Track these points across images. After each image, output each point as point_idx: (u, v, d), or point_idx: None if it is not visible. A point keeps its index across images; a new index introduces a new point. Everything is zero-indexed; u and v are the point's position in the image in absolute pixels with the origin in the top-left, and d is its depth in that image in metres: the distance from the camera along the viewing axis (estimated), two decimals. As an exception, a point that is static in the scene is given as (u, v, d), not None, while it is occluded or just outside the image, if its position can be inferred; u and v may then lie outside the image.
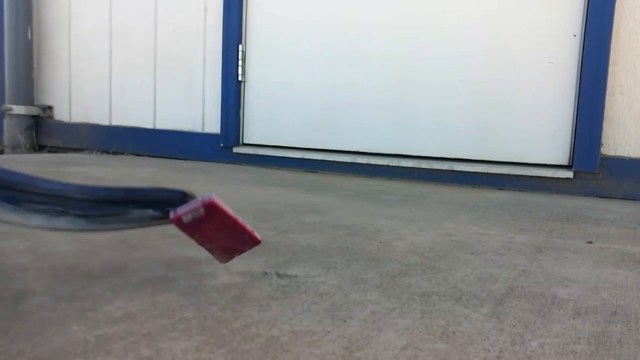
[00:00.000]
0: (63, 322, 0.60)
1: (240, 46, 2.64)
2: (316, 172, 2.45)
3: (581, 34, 2.03)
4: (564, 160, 2.09)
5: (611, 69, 1.97)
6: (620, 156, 1.98)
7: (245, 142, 2.71)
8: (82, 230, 0.69)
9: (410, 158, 2.32)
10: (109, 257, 0.88)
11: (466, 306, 0.72)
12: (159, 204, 0.68)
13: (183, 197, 0.68)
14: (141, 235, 1.04)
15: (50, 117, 3.30)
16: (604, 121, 1.99)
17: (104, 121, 3.11)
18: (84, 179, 1.83)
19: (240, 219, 0.68)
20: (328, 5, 2.46)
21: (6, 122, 3.24)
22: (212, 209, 0.65)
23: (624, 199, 1.97)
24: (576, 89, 2.05)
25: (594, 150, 2.00)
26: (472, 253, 1.02)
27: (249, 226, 0.70)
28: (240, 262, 0.88)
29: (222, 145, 2.71)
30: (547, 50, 2.08)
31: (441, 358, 0.56)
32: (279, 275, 0.82)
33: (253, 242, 0.71)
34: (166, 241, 1.00)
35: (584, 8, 2.01)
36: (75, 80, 3.20)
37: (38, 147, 3.34)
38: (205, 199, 0.65)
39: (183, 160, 2.77)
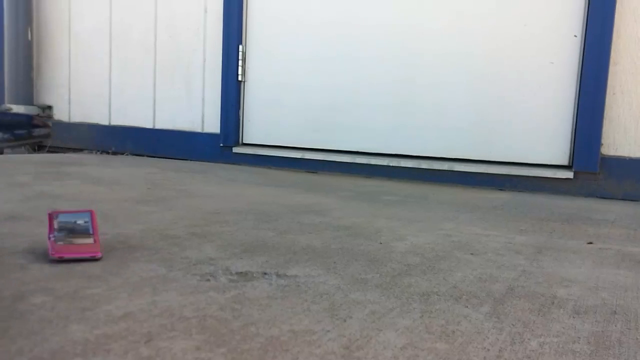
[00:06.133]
0: (63, 322, 0.60)
1: (240, 46, 2.64)
2: (316, 172, 2.45)
3: (582, 34, 2.03)
4: (564, 160, 2.09)
5: (612, 69, 1.97)
6: (621, 156, 1.98)
7: (245, 142, 2.71)
8: None
9: (410, 158, 2.32)
10: (109, 256, 0.88)
11: (466, 306, 0.72)
12: (8, 127, 0.77)
13: (29, 121, 0.76)
14: (141, 235, 1.04)
15: (50, 116, 3.30)
16: (604, 121, 1.99)
17: (103, 121, 3.11)
18: (83, 180, 1.83)
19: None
20: (328, 5, 2.46)
21: (6, 122, 3.24)
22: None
23: (624, 199, 1.97)
24: (576, 89, 2.05)
25: (594, 150, 2.00)
26: (472, 253, 1.02)
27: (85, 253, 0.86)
28: (240, 262, 0.88)
29: (221, 145, 2.71)
30: (548, 50, 2.08)
31: (441, 357, 0.56)
32: (278, 275, 0.82)
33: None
34: (166, 242, 1.00)
35: (585, 9, 2.01)
36: (74, 80, 3.20)
37: (38, 147, 3.34)
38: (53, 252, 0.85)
39: (183, 160, 2.77)
